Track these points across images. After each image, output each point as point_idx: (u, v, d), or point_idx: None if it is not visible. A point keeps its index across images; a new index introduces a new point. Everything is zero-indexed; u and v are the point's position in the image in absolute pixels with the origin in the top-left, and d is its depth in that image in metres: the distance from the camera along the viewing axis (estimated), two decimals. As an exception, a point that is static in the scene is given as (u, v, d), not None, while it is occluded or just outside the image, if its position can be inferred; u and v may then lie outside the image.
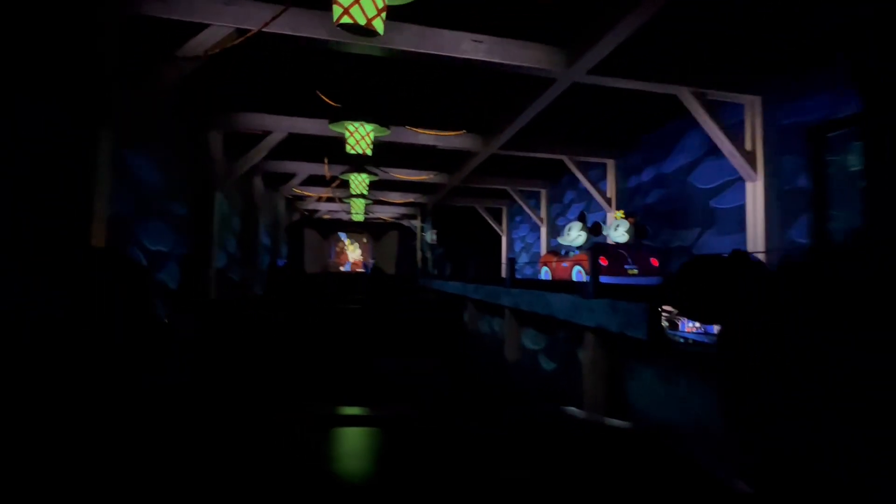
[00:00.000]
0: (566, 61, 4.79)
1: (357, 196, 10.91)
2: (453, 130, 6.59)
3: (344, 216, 16.93)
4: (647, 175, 7.62)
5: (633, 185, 8.01)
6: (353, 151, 5.64)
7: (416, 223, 16.57)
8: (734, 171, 5.69)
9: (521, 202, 11.37)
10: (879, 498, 0.38)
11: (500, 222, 14.24)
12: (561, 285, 5.65)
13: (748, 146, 5.45)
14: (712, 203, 6.21)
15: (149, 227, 4.82)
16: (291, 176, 10.03)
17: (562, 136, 7.86)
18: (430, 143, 7.35)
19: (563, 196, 10.61)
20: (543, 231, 11.22)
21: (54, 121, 3.43)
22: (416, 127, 6.41)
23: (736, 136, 5.43)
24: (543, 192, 11.25)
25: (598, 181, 8.45)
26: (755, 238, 5.34)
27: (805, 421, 0.42)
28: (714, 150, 6.22)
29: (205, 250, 6.41)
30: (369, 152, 5.76)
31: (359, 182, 8.65)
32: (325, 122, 6.73)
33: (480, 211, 14.06)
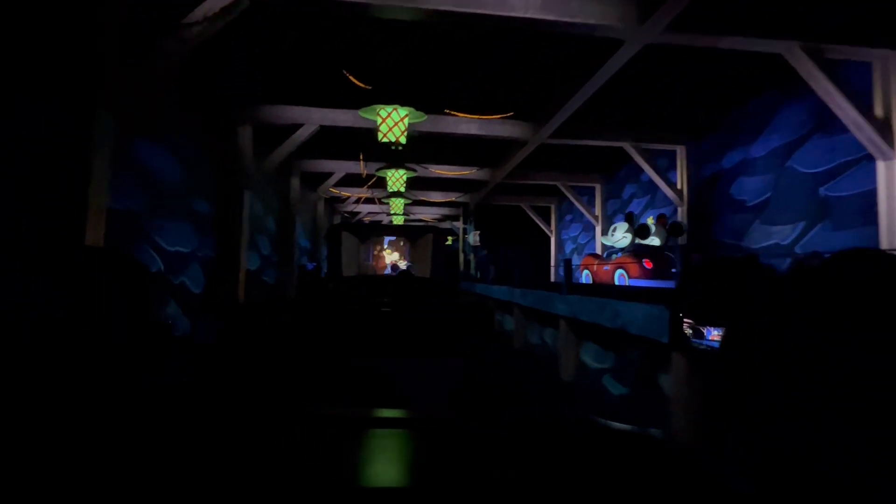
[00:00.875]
0: (637, 16, 3.89)
1: (395, 195, 10.40)
2: (498, 114, 5.81)
3: (385, 218, 16.61)
4: (728, 161, 6.45)
5: (709, 174, 6.85)
6: (385, 140, 5.02)
7: (458, 225, 15.90)
8: (856, 147, 4.51)
9: (572, 199, 10.35)
10: (879, 498, 0.37)
11: (548, 222, 13.24)
12: (633, 293, 4.70)
13: (878, 113, 4.26)
14: (823, 191, 5.01)
15: (166, 225, 4.43)
16: (329, 175, 9.66)
17: (623, 119, 6.85)
18: (472, 131, 6.61)
19: (622, 190, 9.50)
20: (598, 230, 10.13)
21: (46, 107, 3.03)
22: (456, 110, 5.70)
23: (861, 104, 4.26)
24: (598, 187, 10.18)
25: (667, 171, 7.33)
26: (892, 232, 4.14)
27: (805, 421, 0.41)
28: (824, 125, 5.02)
29: (233, 252, 6.04)
30: (403, 140, 5.12)
31: (396, 179, 8.07)
32: (356, 112, 6.20)
33: (527, 210, 13.14)
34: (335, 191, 10.36)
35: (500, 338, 8.70)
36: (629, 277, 6.39)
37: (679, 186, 7.22)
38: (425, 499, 0.57)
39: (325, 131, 7.07)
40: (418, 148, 7.96)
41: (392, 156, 7.99)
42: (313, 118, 6.35)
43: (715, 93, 6.03)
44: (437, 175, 9.36)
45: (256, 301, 6.70)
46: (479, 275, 13.74)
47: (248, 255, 6.82)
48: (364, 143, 7.73)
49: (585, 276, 7.86)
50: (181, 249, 4.77)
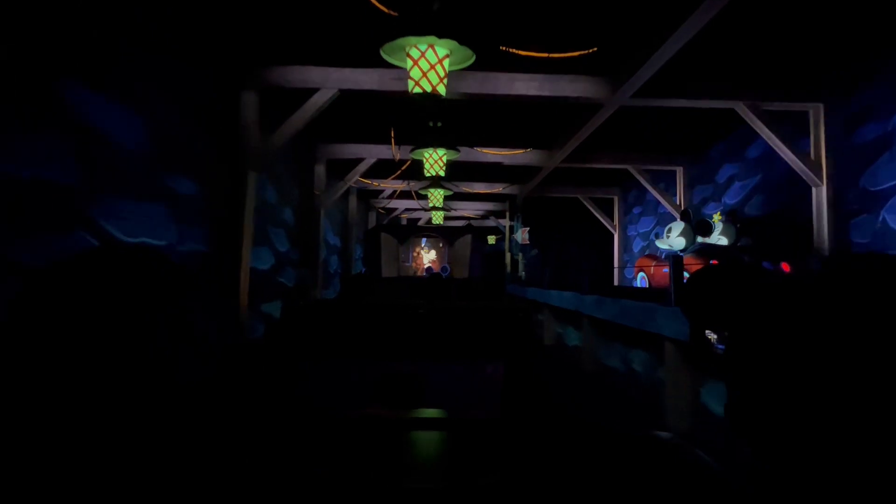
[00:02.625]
0: None
1: (433, 182, 9.07)
2: (577, 51, 4.25)
3: (424, 216, 15.69)
4: (906, 118, 4.53)
5: (868, 140, 4.93)
6: (417, 89, 3.64)
7: (504, 222, 14.40)
8: None
9: (647, 185, 8.54)
10: (882, 499, 0.38)
11: (610, 216, 11.42)
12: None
13: None
14: None
15: (121, 206, 3.27)
16: (358, 162, 8.45)
17: (738, 68, 5.10)
18: (532, 91, 5.12)
19: (716, 172, 7.60)
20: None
21: None
22: (516, 47, 4.19)
23: None
24: (681, 171, 8.33)
25: (794, 139, 5.46)
26: None
27: (808, 424, 0.41)
28: None
29: (233, 247, 4.89)
30: (443, 90, 3.71)
31: (434, 161, 6.68)
32: (382, 71, 4.93)
33: (585, 202, 11.39)
34: (366, 181, 9.15)
35: (558, 354, 7.11)
36: None
37: (813, 157, 5.33)
38: (461, 499, 0.59)
39: (349, 102, 5.83)
40: (460, 121, 6.56)
41: (429, 133, 6.64)
42: (331, 80, 5.10)
43: (885, 19, 4.18)
44: (481, 160, 7.91)
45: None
46: (524, 275, 12.23)
47: (255, 252, 5.68)
48: (395, 114, 6.43)
49: (641, 280, 7.17)
50: (150, 241, 3.60)
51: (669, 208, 8.35)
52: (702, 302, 0.89)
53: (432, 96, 3.65)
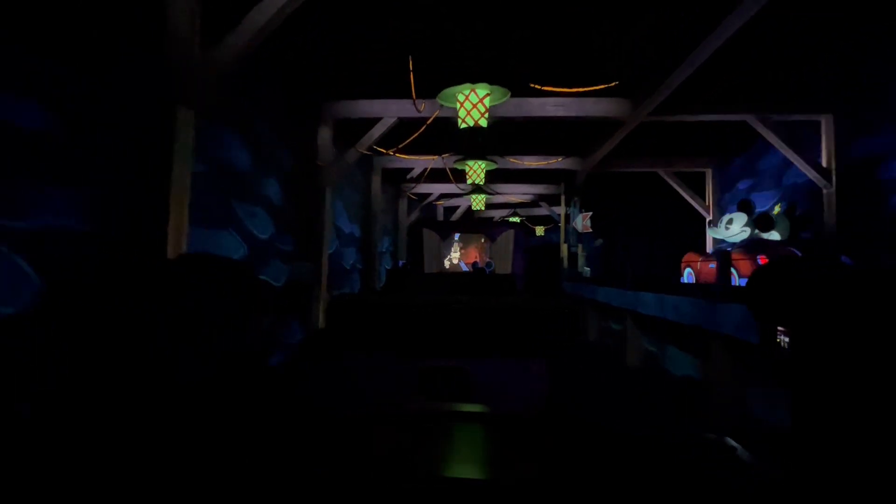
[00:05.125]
0: None
1: (469, 152, 7.07)
2: None
3: (463, 203, 14.04)
4: None
5: None
6: None
7: (558, 210, 12.15)
8: None
9: (778, 142, 6.00)
10: None
11: (701, 195, 8.86)
12: None
13: None
14: None
15: None
16: (374, 123, 6.54)
17: None
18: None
19: (905, 113, 5.01)
20: (829, 196, 5.71)
21: None
22: None
23: None
24: (828, 121, 5.77)
25: None
26: None
27: (861, 425, 0.41)
28: None
29: (152, 227, 3.09)
30: None
31: (471, 106, 4.63)
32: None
33: (666, 178, 8.90)
34: (384, 151, 7.22)
35: (658, 387, 4.87)
36: (739, 276, 5.36)
37: None
38: (503, 490, 0.58)
39: (349, 28, 3.94)
40: (508, 40, 4.44)
41: (463, 65, 4.59)
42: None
43: None
44: (536, 115, 5.75)
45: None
46: (588, 269, 9.95)
47: (210, 236, 3.88)
48: (413, 32, 4.42)
49: (687, 276, 6.74)
50: None
51: (814, 175, 5.79)
52: (771, 298, 0.81)
53: None
